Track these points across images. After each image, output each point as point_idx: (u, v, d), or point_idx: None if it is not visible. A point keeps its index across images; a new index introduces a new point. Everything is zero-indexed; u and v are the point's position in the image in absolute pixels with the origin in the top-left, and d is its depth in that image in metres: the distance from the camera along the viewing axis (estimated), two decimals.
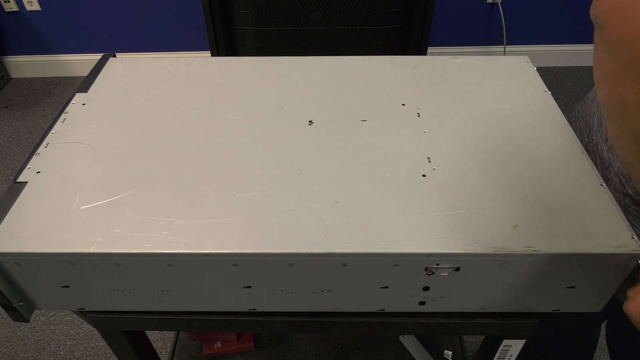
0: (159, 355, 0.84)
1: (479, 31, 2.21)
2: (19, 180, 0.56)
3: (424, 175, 0.57)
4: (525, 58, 0.78)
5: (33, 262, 0.50)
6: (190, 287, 0.53)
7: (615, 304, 0.56)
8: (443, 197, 0.54)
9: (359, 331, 0.60)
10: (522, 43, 2.25)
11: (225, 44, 1.39)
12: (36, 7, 2.08)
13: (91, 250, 0.49)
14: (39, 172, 0.58)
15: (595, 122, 0.64)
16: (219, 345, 1.09)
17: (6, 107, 2.13)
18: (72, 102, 0.69)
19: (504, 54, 2.24)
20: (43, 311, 1.36)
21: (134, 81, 0.73)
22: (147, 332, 0.79)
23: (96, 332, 1.08)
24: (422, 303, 0.55)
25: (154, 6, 2.08)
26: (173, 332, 1.18)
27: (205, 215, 0.52)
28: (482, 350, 0.73)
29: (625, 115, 0.35)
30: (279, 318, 0.58)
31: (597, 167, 0.61)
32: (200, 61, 0.77)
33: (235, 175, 0.57)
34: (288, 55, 0.78)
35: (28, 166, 0.58)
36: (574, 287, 0.52)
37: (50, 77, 2.30)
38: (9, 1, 2.05)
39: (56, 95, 2.20)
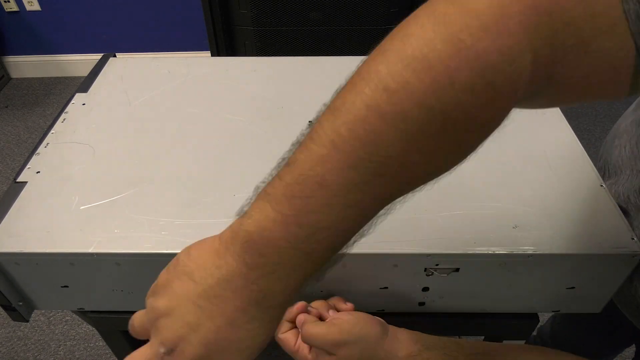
0: None
1: None
2: (18, 180, 0.56)
3: None
4: None
5: (33, 262, 0.50)
6: None
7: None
8: (443, 197, 0.54)
9: None
10: None
11: (225, 44, 1.39)
12: (36, 7, 2.08)
13: (91, 250, 0.49)
14: (39, 172, 0.58)
15: None
16: None
17: (6, 107, 2.13)
18: (72, 102, 0.69)
19: None
20: (43, 311, 1.36)
21: (134, 81, 0.73)
22: None
23: (96, 332, 1.07)
24: (421, 304, 0.55)
25: (153, 6, 2.08)
26: None
27: (205, 215, 0.52)
28: None
29: None
30: None
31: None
32: (200, 61, 0.77)
33: (235, 175, 0.57)
34: (288, 55, 0.78)
35: (28, 166, 0.58)
36: (574, 287, 0.52)
37: (50, 77, 2.30)
38: (9, 1, 2.05)
39: (56, 95, 2.20)
